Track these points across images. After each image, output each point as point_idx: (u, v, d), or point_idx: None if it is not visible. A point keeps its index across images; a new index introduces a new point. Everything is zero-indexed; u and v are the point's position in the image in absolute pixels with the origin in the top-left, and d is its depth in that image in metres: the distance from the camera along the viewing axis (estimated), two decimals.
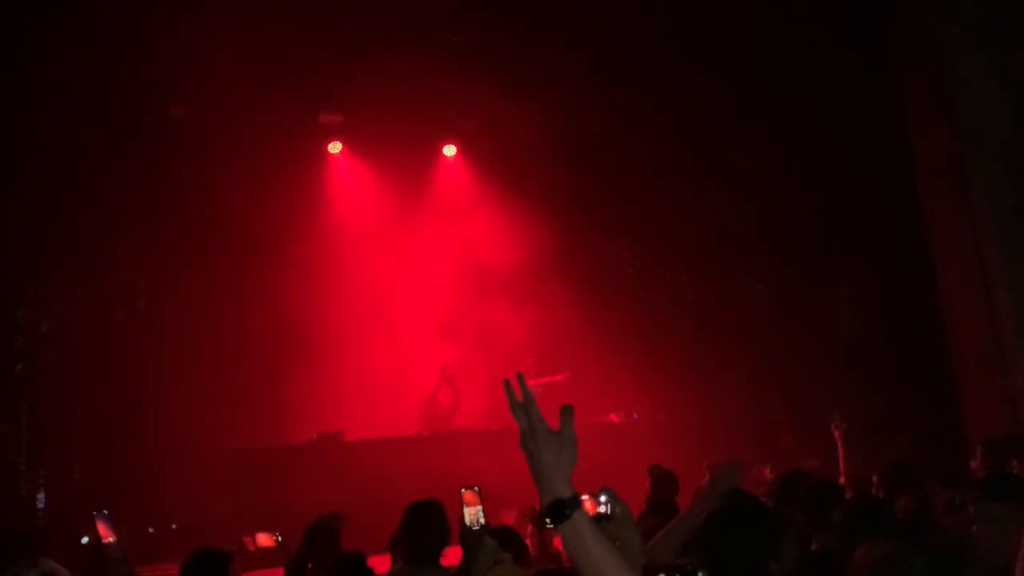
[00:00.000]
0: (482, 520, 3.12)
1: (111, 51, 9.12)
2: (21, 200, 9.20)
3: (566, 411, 1.84)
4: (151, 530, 9.21)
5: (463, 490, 3.14)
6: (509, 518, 6.31)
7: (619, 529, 2.34)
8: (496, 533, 3.58)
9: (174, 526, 9.26)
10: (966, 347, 9.66)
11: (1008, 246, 9.07)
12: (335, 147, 11.64)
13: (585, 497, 2.37)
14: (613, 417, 10.14)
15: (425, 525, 3.92)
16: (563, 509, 1.77)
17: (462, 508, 3.16)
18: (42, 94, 9.09)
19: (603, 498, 2.36)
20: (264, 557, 5.23)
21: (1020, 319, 9.02)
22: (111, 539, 3.72)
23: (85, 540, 7.35)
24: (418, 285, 11.20)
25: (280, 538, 5.33)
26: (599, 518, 2.35)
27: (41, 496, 9.45)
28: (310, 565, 4.55)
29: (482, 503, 3.13)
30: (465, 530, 3.21)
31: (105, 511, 3.75)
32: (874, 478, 5.00)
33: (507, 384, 1.85)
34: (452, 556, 3.78)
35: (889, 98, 10.40)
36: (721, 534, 2.68)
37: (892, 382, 9.87)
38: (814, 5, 10.12)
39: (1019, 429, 8.24)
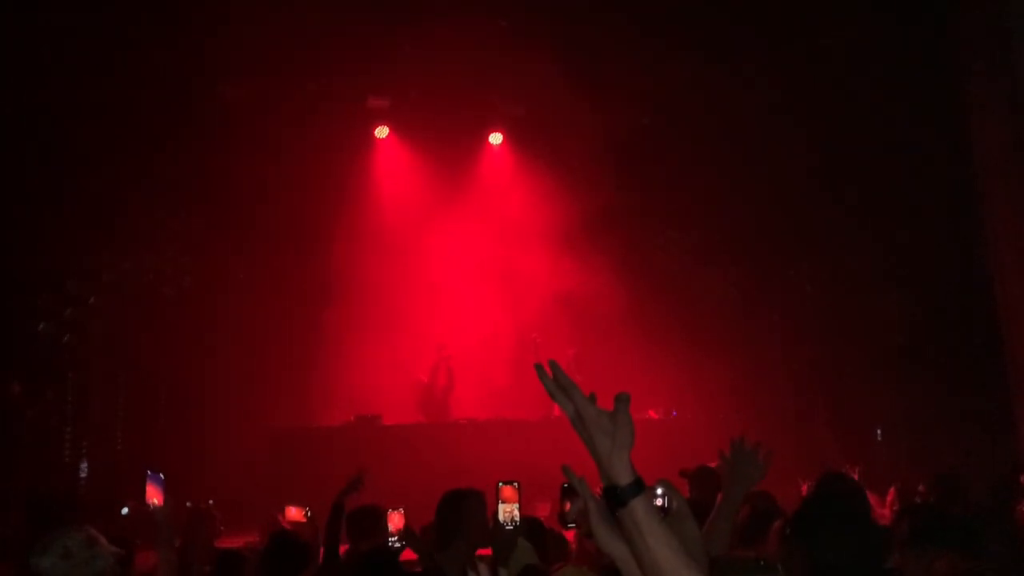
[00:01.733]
0: (518, 519, 2.93)
1: (169, 27, 9.22)
2: (75, 175, 9.35)
3: (621, 398, 1.74)
4: (188, 504, 9.32)
5: (500, 484, 2.97)
6: (544, 510, 6.25)
7: (677, 523, 2.25)
8: (524, 527, 3.40)
9: (211, 501, 9.36)
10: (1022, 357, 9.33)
11: None
12: (382, 131, 11.65)
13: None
14: (652, 413, 10.02)
15: (460, 516, 3.68)
16: (618, 496, 1.66)
17: (497, 504, 2.99)
18: (98, 70, 9.20)
19: (659, 491, 2.27)
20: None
21: None
22: (157, 502, 3.68)
23: (125, 511, 7.50)
24: (460, 273, 11.19)
25: (310, 513, 5.34)
26: (657, 510, 2.26)
27: (84, 464, 9.63)
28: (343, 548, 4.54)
29: (520, 500, 2.94)
30: (498, 528, 3.04)
31: (160, 474, 3.70)
32: (921, 487, 4.84)
33: (539, 369, 1.76)
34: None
35: (947, 94, 10.05)
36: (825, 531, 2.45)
37: (944, 394, 9.57)
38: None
39: None
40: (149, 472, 3.65)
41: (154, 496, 3.64)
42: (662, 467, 5.43)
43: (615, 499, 1.65)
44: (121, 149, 9.62)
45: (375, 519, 4.50)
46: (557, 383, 1.74)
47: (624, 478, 1.66)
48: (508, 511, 2.95)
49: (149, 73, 9.51)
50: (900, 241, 10.17)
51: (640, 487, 1.66)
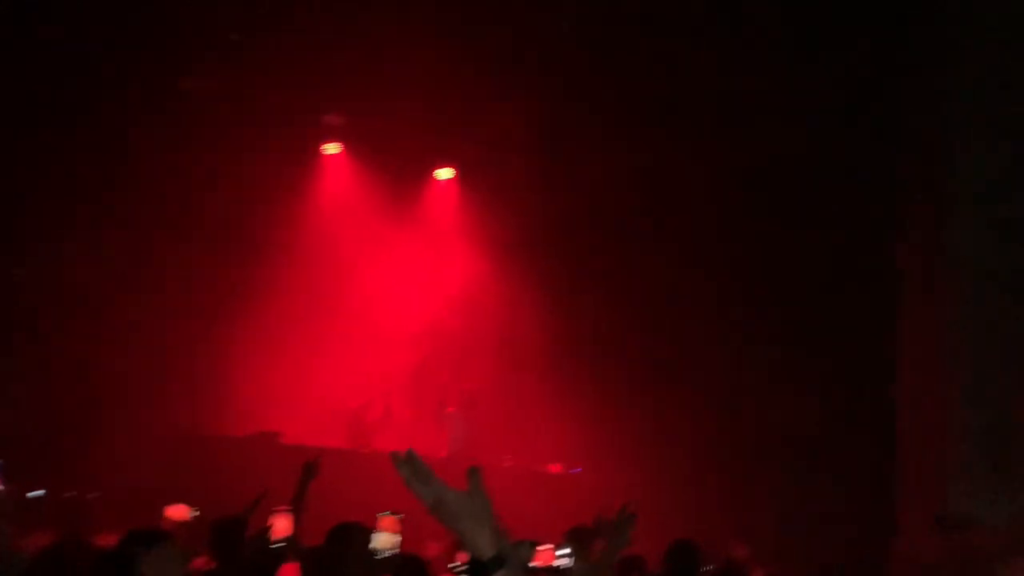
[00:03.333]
0: (395, 550, 2.91)
1: (126, 12, 9.14)
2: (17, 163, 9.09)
3: (473, 472, 1.75)
4: (68, 495, 8.98)
5: (380, 516, 2.94)
6: (433, 550, 6.22)
7: None
8: (403, 563, 3.39)
9: (96, 494, 9.03)
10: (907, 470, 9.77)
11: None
12: (333, 148, 11.64)
13: (548, 546, 2.35)
14: (553, 468, 10.11)
15: (343, 551, 3.71)
16: (483, 570, 1.68)
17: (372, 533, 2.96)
18: (47, 63, 9.07)
19: (564, 551, 2.32)
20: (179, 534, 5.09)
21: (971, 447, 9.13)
22: None
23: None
24: (393, 300, 11.19)
25: (198, 513, 5.21)
26: (554, 571, 2.31)
27: None
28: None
29: (400, 533, 2.92)
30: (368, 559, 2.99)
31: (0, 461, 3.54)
32: None
33: (394, 456, 1.72)
34: None
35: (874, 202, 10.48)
36: None
37: (837, 491, 9.93)
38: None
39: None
40: None
41: None
42: (555, 523, 5.52)
43: (480, 573, 1.67)
44: (72, 126, 9.44)
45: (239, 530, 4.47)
46: (414, 472, 1.71)
47: (488, 552, 1.69)
48: (385, 541, 2.91)
49: (102, 63, 9.39)
50: (809, 336, 10.50)
51: (501, 562, 1.68)
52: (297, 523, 4.53)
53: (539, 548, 2.37)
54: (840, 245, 10.29)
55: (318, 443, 9.79)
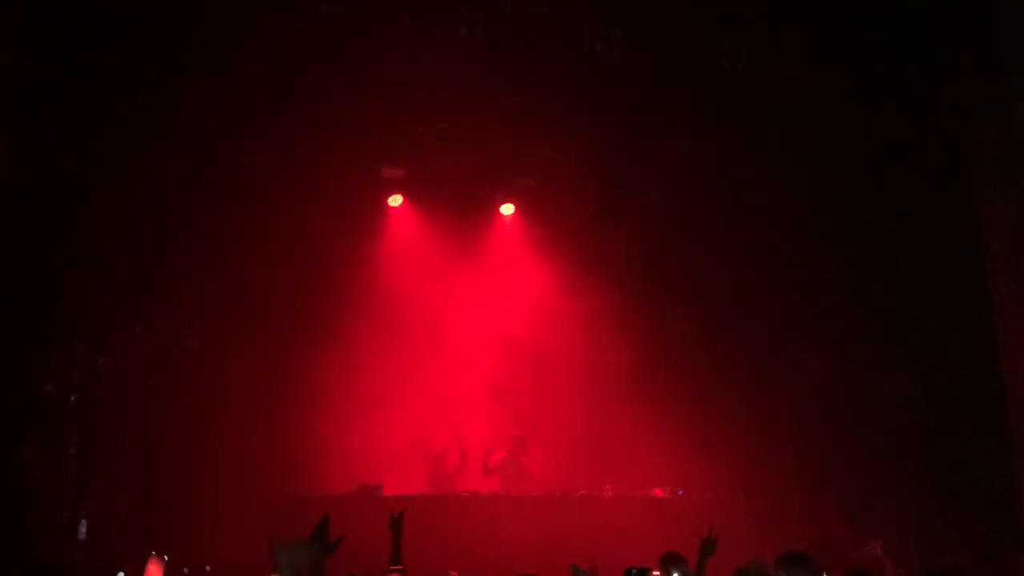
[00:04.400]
0: None
1: (181, 96, 9.46)
2: (88, 236, 9.47)
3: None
4: (186, 570, 9.19)
5: None
6: None
7: None
8: None
9: (208, 568, 9.22)
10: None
11: None
12: (396, 200, 11.81)
13: (656, 573, 2.28)
14: (657, 492, 9.87)
15: None
16: None
17: None
18: (115, 132, 9.42)
19: (675, 573, 2.27)
20: None
21: None
22: None
23: (121, 575, 7.40)
24: (469, 346, 11.20)
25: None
26: None
27: (83, 526, 9.51)
28: None
29: None
30: None
31: (164, 556, 3.79)
32: None
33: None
34: None
35: (955, 172, 10.16)
36: None
37: (952, 479, 9.45)
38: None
39: None
40: (154, 552, 3.75)
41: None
42: (670, 548, 5.36)
43: None
44: (136, 212, 9.77)
45: None
46: None
47: None
48: None
49: (167, 138, 9.71)
50: (906, 321, 10.17)
51: None
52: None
53: (652, 573, 2.32)
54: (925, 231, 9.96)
55: (413, 492, 9.88)
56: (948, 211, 10.02)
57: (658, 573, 2.27)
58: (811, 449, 10.09)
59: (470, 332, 11.29)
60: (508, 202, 12.04)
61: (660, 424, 9.99)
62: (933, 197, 10.06)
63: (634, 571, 2.38)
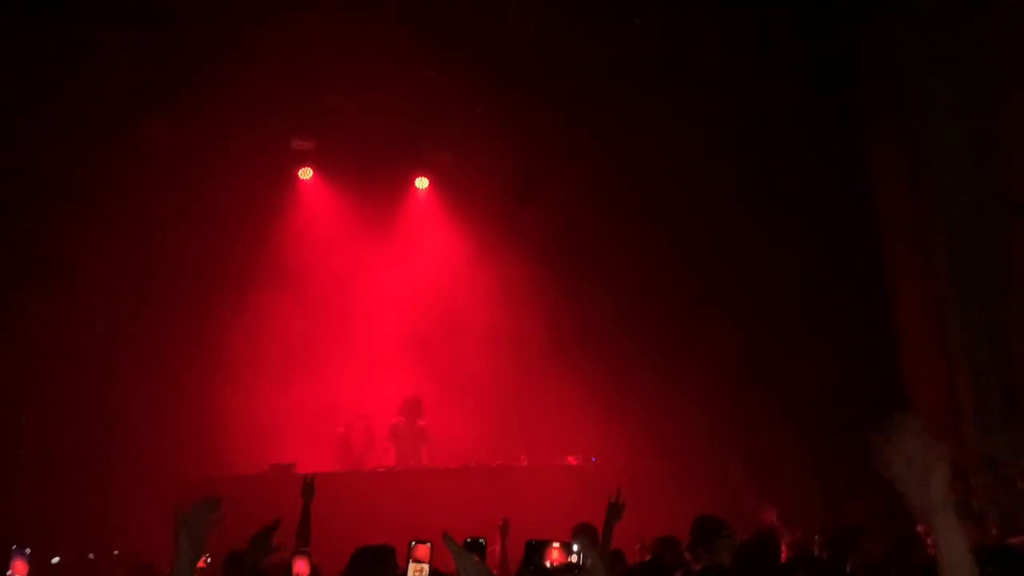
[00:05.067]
0: None
1: (88, 65, 9.06)
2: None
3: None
4: (91, 556, 8.94)
5: (413, 543, 2.90)
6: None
7: None
8: None
9: (116, 552, 8.98)
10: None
11: (968, 320, 9.26)
12: (305, 173, 11.59)
13: (556, 544, 2.30)
14: (571, 459, 10.05)
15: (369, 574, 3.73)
16: None
17: (407, 564, 2.93)
18: (19, 107, 8.97)
19: (575, 547, 2.28)
20: None
21: (979, 395, 9.15)
22: None
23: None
24: (381, 318, 11.13)
25: (209, 559, 5.17)
26: (571, 567, 2.27)
27: None
28: None
29: (431, 561, 2.90)
30: None
31: (26, 549, 3.66)
32: (816, 538, 4.97)
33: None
34: None
35: (855, 160, 10.64)
36: None
37: (851, 446, 9.92)
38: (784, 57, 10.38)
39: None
40: (14, 547, 3.62)
41: (18, 572, 3.60)
42: (584, 516, 5.47)
43: None
44: (33, 188, 9.34)
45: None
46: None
47: None
48: (417, 571, 2.89)
49: (72, 109, 9.29)
50: (814, 296, 10.60)
51: None
52: (306, 545, 4.54)
53: (552, 545, 2.34)
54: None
55: (327, 470, 9.79)
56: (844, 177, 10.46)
57: (558, 544, 2.28)
58: (721, 415, 10.40)
59: (381, 303, 11.22)
60: (423, 176, 11.95)
61: (574, 393, 10.15)
62: (830, 166, 10.48)
63: (534, 543, 2.39)
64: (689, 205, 11.02)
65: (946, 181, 9.51)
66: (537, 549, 2.32)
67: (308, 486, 4.97)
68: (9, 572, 3.69)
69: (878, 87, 10.39)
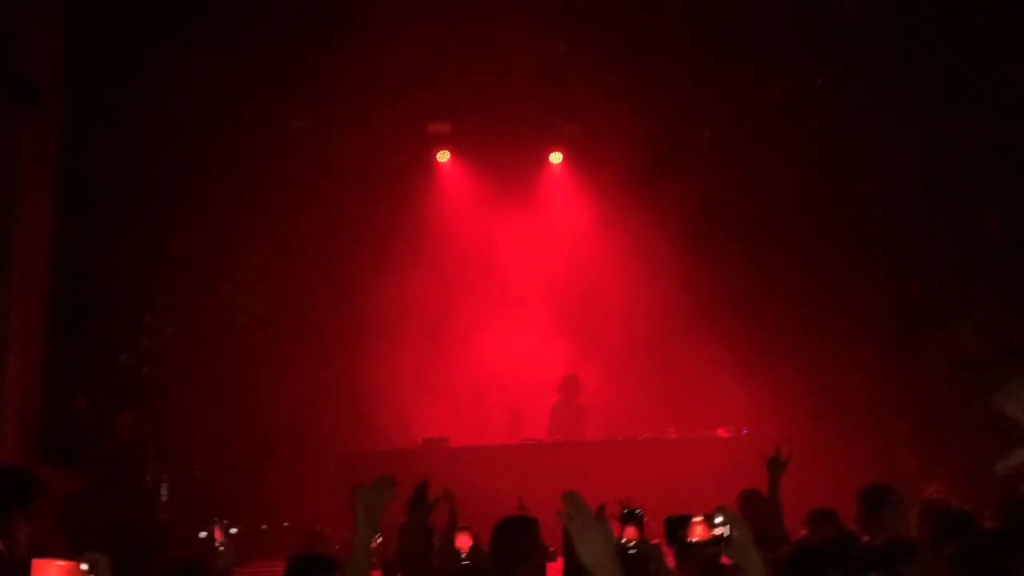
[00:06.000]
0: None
1: (229, 61, 9.54)
2: (148, 209, 9.70)
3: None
4: (264, 527, 9.55)
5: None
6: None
7: (738, 554, 2.19)
8: None
9: (286, 524, 9.55)
10: None
11: None
12: (443, 156, 11.79)
13: (698, 519, 2.24)
14: (721, 431, 9.82)
15: (513, 545, 3.70)
16: None
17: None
18: (167, 104, 9.57)
19: (719, 519, 2.20)
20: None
21: None
22: (222, 547, 3.93)
23: (203, 534, 7.71)
24: (522, 295, 11.25)
25: (380, 539, 5.36)
26: (716, 541, 2.20)
27: (164, 488, 9.91)
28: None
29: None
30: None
31: (226, 521, 3.98)
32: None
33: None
34: None
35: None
36: None
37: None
38: None
39: None
40: (216, 519, 3.93)
41: (221, 543, 3.93)
42: (736, 490, 5.33)
43: None
44: (193, 182, 9.96)
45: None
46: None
47: None
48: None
49: (215, 109, 9.83)
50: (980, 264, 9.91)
51: None
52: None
53: (693, 520, 2.26)
54: None
55: (481, 442, 10.01)
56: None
57: (699, 518, 2.20)
58: (878, 379, 9.91)
59: (523, 280, 11.32)
60: (557, 150, 11.91)
61: (723, 363, 9.92)
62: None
63: (673, 519, 2.32)
64: (831, 165, 10.49)
65: None
66: (678, 525, 2.26)
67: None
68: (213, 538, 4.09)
69: None
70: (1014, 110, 9.42)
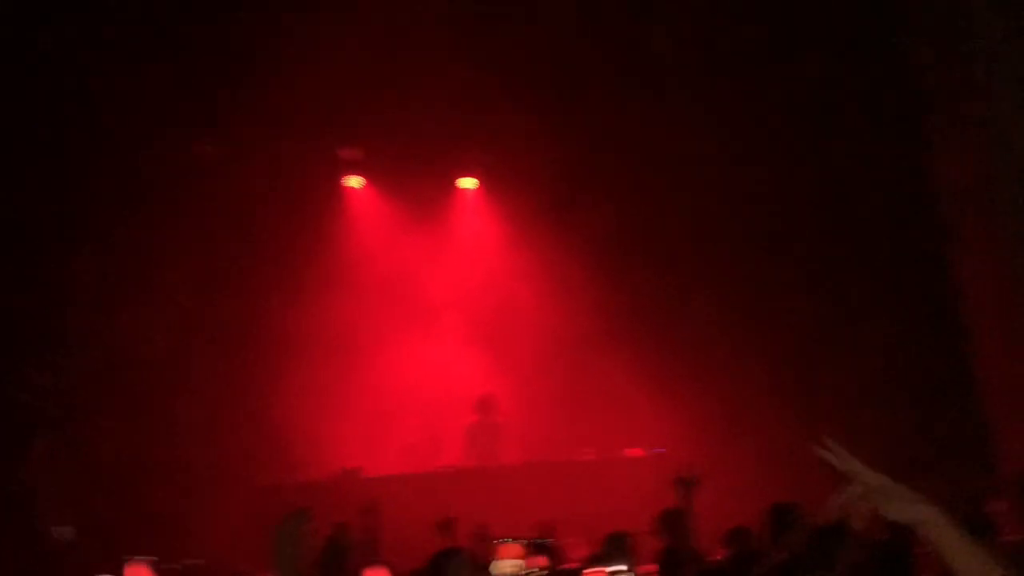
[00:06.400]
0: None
1: (134, 87, 9.30)
2: (51, 239, 9.36)
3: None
4: (178, 566, 9.17)
5: (499, 542, 2.83)
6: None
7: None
8: None
9: (201, 562, 9.21)
10: (993, 383, 9.54)
11: None
12: (356, 181, 11.71)
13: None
14: (636, 452, 9.94)
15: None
16: None
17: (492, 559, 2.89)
18: (66, 129, 9.27)
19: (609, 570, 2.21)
20: None
21: None
22: None
23: None
24: (437, 318, 11.25)
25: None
26: None
27: (66, 529, 9.42)
28: None
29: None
30: None
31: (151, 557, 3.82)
32: None
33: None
34: None
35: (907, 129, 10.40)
36: None
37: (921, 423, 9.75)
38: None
39: None
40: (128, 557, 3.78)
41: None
42: (658, 508, 5.41)
43: None
44: (92, 211, 9.63)
45: None
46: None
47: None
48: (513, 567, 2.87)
49: (122, 133, 9.56)
50: (879, 272, 10.40)
51: None
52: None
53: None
54: None
55: (396, 472, 9.91)
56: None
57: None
58: (791, 397, 10.24)
59: (436, 304, 11.33)
60: (471, 176, 11.97)
61: (638, 383, 10.06)
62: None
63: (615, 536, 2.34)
64: (742, 188, 10.84)
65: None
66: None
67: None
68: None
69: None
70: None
